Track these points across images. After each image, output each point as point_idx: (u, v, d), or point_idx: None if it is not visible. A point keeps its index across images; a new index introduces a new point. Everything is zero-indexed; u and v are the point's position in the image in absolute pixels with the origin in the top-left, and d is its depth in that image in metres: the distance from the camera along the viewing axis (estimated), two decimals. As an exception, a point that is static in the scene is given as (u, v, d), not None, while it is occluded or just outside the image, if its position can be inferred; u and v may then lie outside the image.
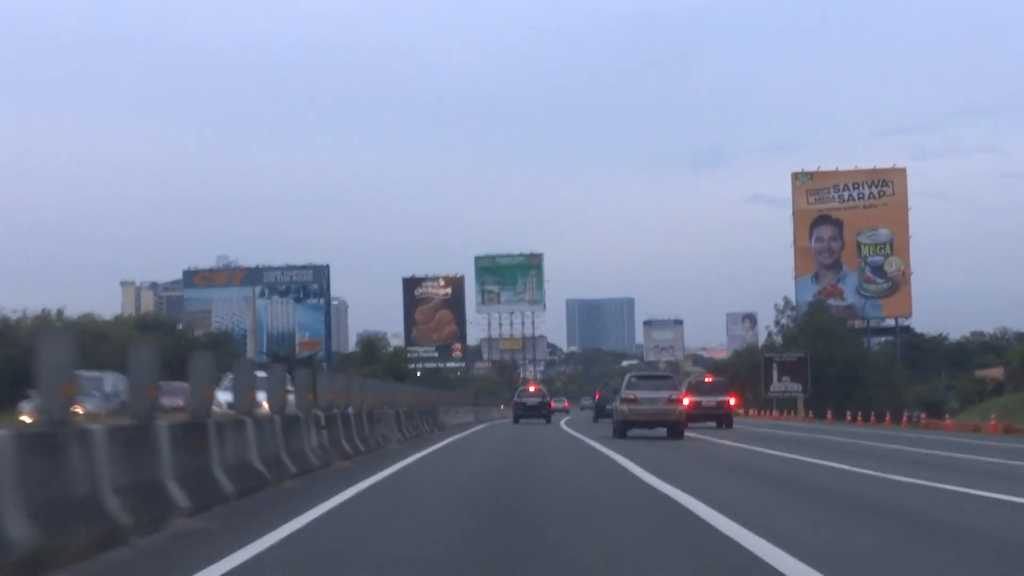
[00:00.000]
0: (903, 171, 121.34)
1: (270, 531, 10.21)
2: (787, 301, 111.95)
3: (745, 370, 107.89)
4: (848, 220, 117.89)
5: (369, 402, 27.16)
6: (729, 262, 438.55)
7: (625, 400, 34.61)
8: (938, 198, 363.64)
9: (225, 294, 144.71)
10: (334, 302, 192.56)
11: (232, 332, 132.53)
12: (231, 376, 15.14)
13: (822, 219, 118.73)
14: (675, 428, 34.54)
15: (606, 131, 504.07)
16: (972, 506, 13.38)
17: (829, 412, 70.16)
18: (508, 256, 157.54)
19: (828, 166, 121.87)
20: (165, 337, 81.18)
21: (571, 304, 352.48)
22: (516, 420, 60.14)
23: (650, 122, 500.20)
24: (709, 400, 49.09)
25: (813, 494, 15.05)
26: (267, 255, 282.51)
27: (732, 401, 52.36)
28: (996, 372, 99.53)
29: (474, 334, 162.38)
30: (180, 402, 36.06)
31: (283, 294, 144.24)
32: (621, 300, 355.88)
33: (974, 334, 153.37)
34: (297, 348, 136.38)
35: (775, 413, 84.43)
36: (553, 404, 71.39)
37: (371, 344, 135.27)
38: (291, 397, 19.39)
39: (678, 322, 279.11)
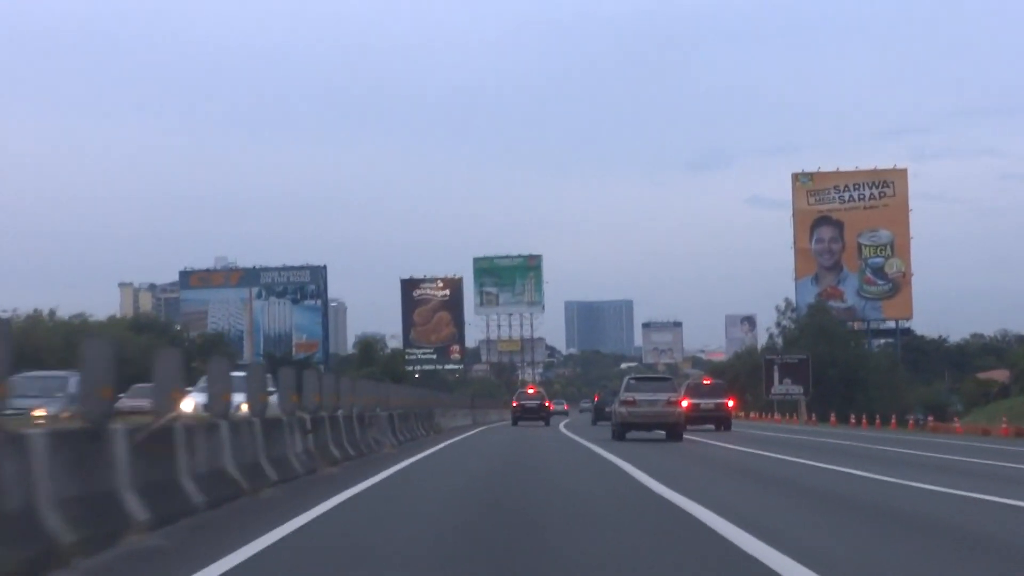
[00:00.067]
0: (904, 172, 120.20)
1: (236, 548, 9.07)
2: (788, 302, 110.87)
3: (745, 372, 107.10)
4: (848, 221, 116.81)
5: (360, 404, 26.01)
6: (728, 264, 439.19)
7: (624, 402, 34.55)
8: (938, 199, 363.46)
9: (222, 295, 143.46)
10: (333, 304, 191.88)
11: (228, 333, 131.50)
12: (206, 376, 14.23)
13: (822, 220, 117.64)
14: (674, 430, 34.44)
15: (605, 132, 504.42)
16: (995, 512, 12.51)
17: (832, 415, 69.16)
18: (507, 257, 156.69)
19: (828, 167, 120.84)
20: (158, 338, 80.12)
21: (570, 306, 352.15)
22: (515, 423, 59.53)
23: (649, 123, 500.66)
24: (707, 402, 48.88)
25: (814, 497, 14.92)
26: (266, 256, 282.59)
27: (730, 403, 52.25)
28: (998, 374, 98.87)
29: (472, 336, 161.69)
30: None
31: (280, 295, 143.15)
32: (620, 302, 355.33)
33: (974, 336, 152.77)
34: (294, 349, 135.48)
35: (776, 416, 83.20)
36: (552, 406, 70.73)
37: (369, 346, 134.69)
38: (274, 399, 18.31)
39: (677, 324, 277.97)
